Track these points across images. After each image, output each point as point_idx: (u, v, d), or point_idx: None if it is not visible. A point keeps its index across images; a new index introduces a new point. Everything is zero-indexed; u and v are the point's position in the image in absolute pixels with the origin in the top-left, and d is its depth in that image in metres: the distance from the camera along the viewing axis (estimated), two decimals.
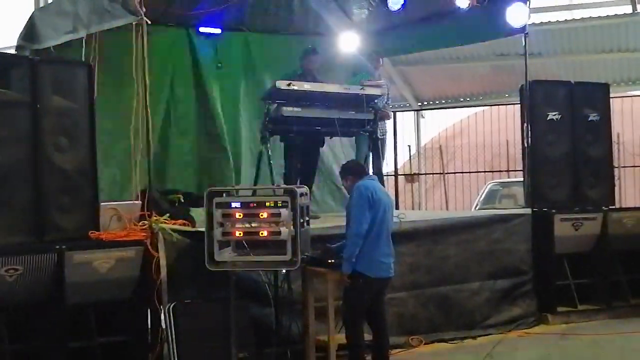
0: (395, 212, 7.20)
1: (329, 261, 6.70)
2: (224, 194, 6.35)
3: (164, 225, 6.70)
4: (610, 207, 9.45)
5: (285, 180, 8.88)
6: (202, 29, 10.38)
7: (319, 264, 6.78)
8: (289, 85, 8.39)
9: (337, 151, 10.92)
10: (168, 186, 9.37)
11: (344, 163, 7.61)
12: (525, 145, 9.26)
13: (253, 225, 6.17)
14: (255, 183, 9.09)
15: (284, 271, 6.71)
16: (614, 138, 10.42)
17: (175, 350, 6.38)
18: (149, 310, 6.68)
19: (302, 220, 6.23)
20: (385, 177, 9.94)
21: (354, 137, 9.84)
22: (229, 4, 10.06)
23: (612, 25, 13.06)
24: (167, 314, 6.45)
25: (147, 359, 6.60)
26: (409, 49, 12.14)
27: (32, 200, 6.35)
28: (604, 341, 8.00)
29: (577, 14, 14.13)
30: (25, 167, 6.35)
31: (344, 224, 6.69)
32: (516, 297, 8.72)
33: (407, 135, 16.10)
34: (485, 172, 15.95)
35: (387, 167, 12.25)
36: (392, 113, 11.71)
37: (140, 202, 6.83)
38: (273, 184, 8.51)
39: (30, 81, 6.42)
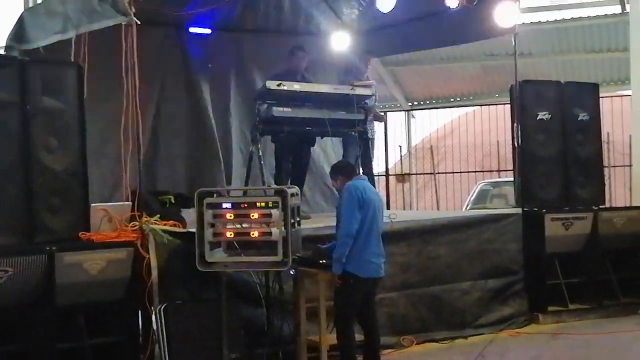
0: (386, 212, 7.20)
1: (320, 262, 6.70)
2: (215, 195, 6.34)
3: (154, 226, 6.68)
4: (601, 206, 9.48)
5: (276, 180, 8.88)
6: (192, 29, 10.37)
7: (310, 265, 6.78)
8: (279, 85, 8.39)
9: (328, 151, 10.94)
10: (159, 187, 9.35)
11: (334, 163, 7.61)
12: (516, 145, 9.28)
13: (244, 225, 6.15)
14: (246, 183, 9.09)
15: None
16: (604, 138, 10.46)
17: (166, 352, 6.36)
18: (140, 312, 6.66)
19: (293, 221, 6.22)
20: (376, 178, 9.94)
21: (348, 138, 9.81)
22: (219, 4, 10.06)
23: (601, 25, 13.11)
24: (158, 315, 6.43)
25: None
26: (399, 49, 12.15)
27: (22, 202, 6.32)
28: (594, 340, 8.01)
29: (567, 14, 14.17)
30: (15, 168, 6.32)
31: (335, 224, 6.68)
32: (507, 296, 8.73)
33: (397, 136, 16.14)
34: (475, 172, 15.99)
35: (378, 167, 12.28)
36: (383, 113, 11.68)
37: (131, 203, 6.81)
38: (264, 185, 8.51)
39: (19, 82, 6.39)
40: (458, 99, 15.87)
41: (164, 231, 6.70)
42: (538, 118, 9.25)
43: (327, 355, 6.76)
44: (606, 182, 10.44)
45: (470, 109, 17.63)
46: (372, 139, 9.93)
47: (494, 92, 14.80)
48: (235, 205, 6.17)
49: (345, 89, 8.93)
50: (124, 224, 6.75)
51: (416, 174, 16.98)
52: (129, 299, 6.59)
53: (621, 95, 14.01)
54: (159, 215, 6.93)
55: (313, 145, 9.62)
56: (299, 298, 6.95)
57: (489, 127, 15.69)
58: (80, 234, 6.56)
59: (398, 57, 14.15)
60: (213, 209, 6.14)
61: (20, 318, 6.17)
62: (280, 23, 11.09)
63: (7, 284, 5.96)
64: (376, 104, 10.16)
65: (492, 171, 15.76)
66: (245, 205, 6.18)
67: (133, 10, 6.74)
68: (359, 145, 9.35)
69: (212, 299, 6.54)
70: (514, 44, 9.44)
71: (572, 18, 13.60)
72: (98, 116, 8.28)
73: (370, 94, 9.28)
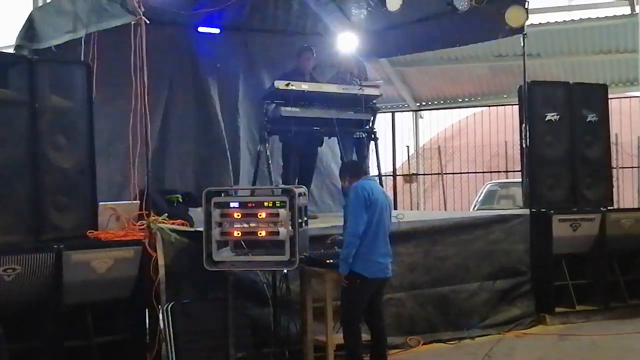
0: (394, 213, 7.20)
1: (327, 261, 6.70)
2: (223, 194, 6.35)
3: (162, 225, 6.70)
4: (608, 207, 9.46)
5: (284, 180, 8.89)
6: (201, 29, 10.38)
7: (317, 264, 6.78)
8: (287, 85, 8.41)
9: (335, 151, 10.88)
10: (166, 186, 9.37)
11: (343, 163, 7.61)
12: (524, 145, 9.27)
13: (251, 225, 6.17)
14: (254, 183, 9.10)
15: (285, 271, 6.69)
16: (612, 139, 10.43)
17: (173, 350, 6.37)
18: (147, 310, 6.67)
19: (300, 221, 6.24)
20: (383, 178, 9.93)
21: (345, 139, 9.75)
22: (228, 3, 10.07)
23: (610, 26, 13.07)
24: (165, 314, 6.44)
25: (144, 358, 6.59)
26: (407, 50, 12.14)
27: (30, 200, 6.34)
28: (601, 342, 7.99)
29: (576, 15, 14.14)
30: (23, 167, 6.34)
31: (342, 224, 6.68)
32: (514, 297, 8.72)
33: (405, 136, 16.14)
34: (483, 172, 15.97)
35: (386, 167, 12.26)
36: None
37: (139, 201, 6.83)
38: (271, 184, 8.52)
39: (28, 80, 6.41)
40: (466, 100, 15.83)
41: (172, 230, 6.71)
42: (546, 119, 9.23)
43: (334, 355, 6.75)
44: (614, 184, 10.41)
45: (478, 110, 17.60)
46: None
47: (502, 93, 14.76)
48: (242, 205, 6.19)
49: (353, 89, 8.93)
50: (132, 222, 6.78)
51: (424, 174, 16.96)
52: (136, 297, 6.61)
53: (630, 97, 13.98)
54: (166, 214, 6.95)
55: (321, 145, 9.62)
56: (305, 298, 6.95)
57: (497, 127, 15.68)
58: (88, 232, 6.59)
59: (406, 58, 14.12)
60: (221, 208, 6.16)
61: (28, 316, 6.19)
62: (289, 23, 11.11)
63: (15, 282, 5.98)
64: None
65: (500, 172, 15.75)
66: (253, 204, 6.21)
67: (142, 9, 6.76)
68: (367, 146, 9.34)
69: (219, 298, 6.56)
70: (522, 44, 9.43)
71: (580, 19, 13.56)
72: (106, 115, 8.31)
73: (379, 94, 9.27)
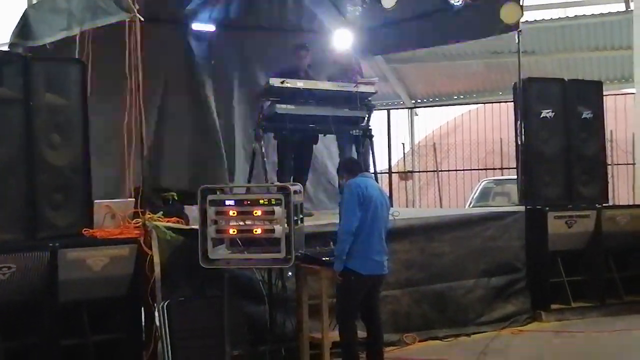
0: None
1: (323, 259, 6.69)
2: (218, 192, 6.35)
3: (157, 223, 6.69)
4: (604, 204, 9.46)
5: (279, 177, 8.88)
6: (195, 26, 10.37)
7: (313, 262, 6.78)
8: (282, 82, 8.40)
9: (331, 149, 10.93)
10: (162, 184, 9.36)
11: (341, 160, 7.59)
12: (519, 142, 9.28)
13: (247, 222, 6.16)
14: (249, 181, 9.10)
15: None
16: (607, 136, 10.43)
17: (169, 348, 6.37)
18: (142, 308, 6.67)
19: (295, 218, 6.23)
20: (379, 175, 9.93)
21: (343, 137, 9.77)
22: (222, 0, 10.08)
23: (605, 23, 13.10)
24: (161, 312, 6.43)
25: (141, 356, 6.59)
26: (402, 47, 12.15)
27: (25, 198, 6.32)
28: (597, 338, 8.01)
29: (571, 11, 14.15)
30: (18, 165, 6.32)
31: (338, 221, 6.67)
32: (510, 294, 8.73)
33: (400, 133, 16.13)
34: (479, 169, 15.99)
35: (381, 164, 12.27)
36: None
37: (134, 199, 6.82)
38: (267, 182, 8.52)
39: (23, 78, 6.38)
40: (461, 97, 15.86)
41: (167, 228, 6.70)
42: (541, 116, 9.24)
43: (330, 353, 6.76)
44: (609, 180, 10.42)
45: (473, 107, 17.62)
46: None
47: (498, 90, 14.78)
48: (238, 203, 6.19)
49: (348, 87, 8.93)
50: (127, 220, 6.76)
51: (419, 171, 16.98)
52: (132, 295, 6.60)
53: (625, 93, 14.00)
54: (162, 212, 6.94)
55: (316, 143, 9.61)
56: (301, 295, 6.95)
57: (492, 124, 15.69)
58: (83, 230, 6.56)
59: (401, 55, 14.12)
60: (216, 206, 6.15)
61: (24, 314, 6.17)
62: (284, 20, 11.11)
63: (10, 280, 5.97)
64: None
65: (495, 169, 15.76)
66: (248, 202, 6.20)
67: (137, 7, 6.74)
68: (362, 143, 9.33)
69: (215, 296, 6.56)
70: (517, 41, 9.43)
71: (575, 16, 13.59)
72: (101, 113, 8.29)
73: (374, 91, 9.27)
